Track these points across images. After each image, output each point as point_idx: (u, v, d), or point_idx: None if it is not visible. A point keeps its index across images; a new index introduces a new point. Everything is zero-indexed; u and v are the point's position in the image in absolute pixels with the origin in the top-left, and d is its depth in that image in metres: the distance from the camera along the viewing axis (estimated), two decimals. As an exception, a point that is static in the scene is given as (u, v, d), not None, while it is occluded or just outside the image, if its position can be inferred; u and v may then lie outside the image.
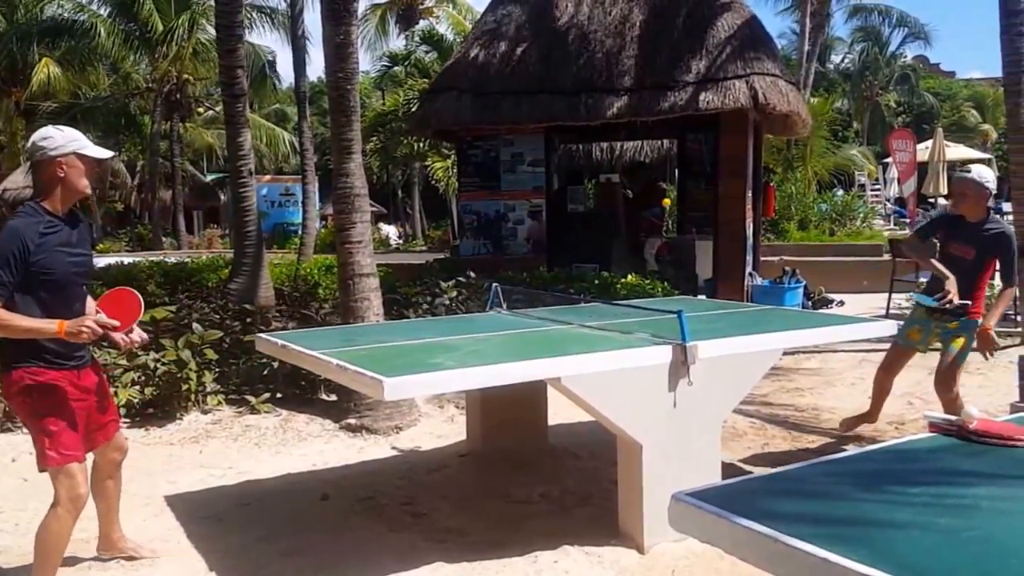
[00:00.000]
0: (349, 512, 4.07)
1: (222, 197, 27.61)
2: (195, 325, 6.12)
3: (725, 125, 9.39)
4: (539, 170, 9.97)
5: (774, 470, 2.12)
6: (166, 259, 11.39)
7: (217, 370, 5.95)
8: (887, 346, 5.08)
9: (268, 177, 25.56)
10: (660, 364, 3.45)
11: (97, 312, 3.13)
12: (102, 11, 21.40)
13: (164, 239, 23.69)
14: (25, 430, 3.54)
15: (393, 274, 8.39)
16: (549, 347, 3.64)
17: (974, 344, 4.69)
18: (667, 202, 12.75)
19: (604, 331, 3.95)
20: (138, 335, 3.24)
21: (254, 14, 20.59)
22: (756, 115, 9.51)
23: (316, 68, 35.51)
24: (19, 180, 24.69)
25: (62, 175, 3.04)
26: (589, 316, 4.44)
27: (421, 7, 24.45)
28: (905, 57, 39.65)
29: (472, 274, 7.74)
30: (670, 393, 3.47)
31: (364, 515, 4.03)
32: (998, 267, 4.69)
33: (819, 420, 5.62)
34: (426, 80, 18.56)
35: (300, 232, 13.55)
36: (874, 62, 37.53)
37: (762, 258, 11.37)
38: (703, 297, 8.18)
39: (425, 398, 5.84)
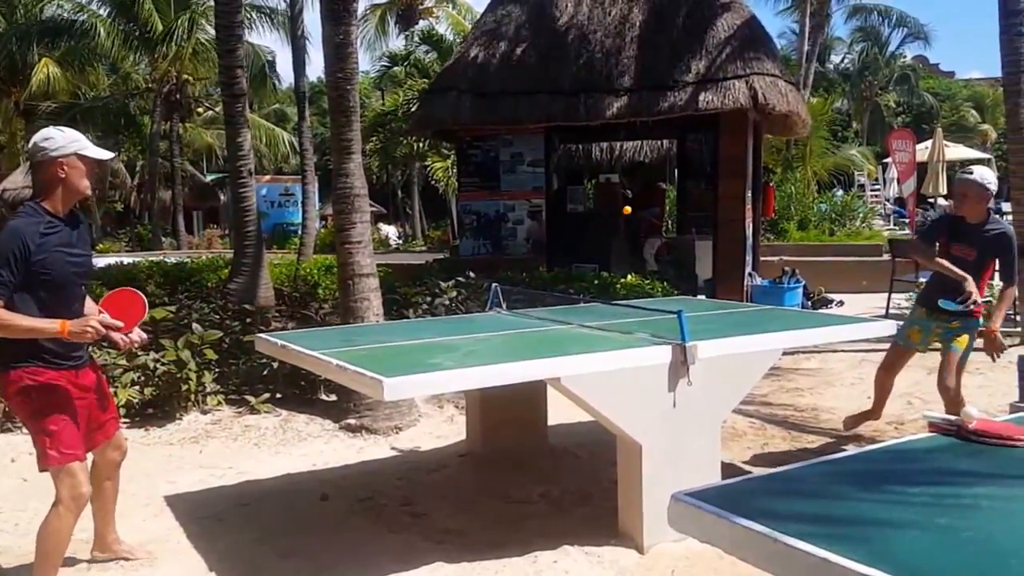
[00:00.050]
0: (348, 512, 4.07)
1: (222, 197, 27.59)
2: (195, 325, 6.11)
3: (725, 125, 9.40)
4: (539, 170, 9.97)
5: (774, 470, 2.12)
6: (166, 259, 11.38)
7: (217, 370, 5.95)
8: (887, 346, 5.08)
9: (268, 177, 25.56)
10: (660, 364, 3.45)
11: (100, 312, 3.14)
12: (102, 11, 21.39)
13: (164, 239, 23.68)
14: (25, 430, 3.54)
15: (393, 274, 8.38)
16: (549, 347, 3.64)
17: (975, 344, 4.69)
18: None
19: (604, 331, 3.95)
20: (137, 335, 3.25)
21: (254, 14, 20.59)
22: (756, 115, 9.51)
23: (316, 68, 35.48)
24: (19, 180, 24.69)
25: (63, 176, 3.05)
26: (589, 316, 4.44)
27: (421, 7, 24.46)
28: (905, 57, 39.66)
29: (472, 274, 7.74)
30: (670, 393, 3.47)
31: (363, 515, 4.03)
32: (997, 267, 4.70)
33: (819, 420, 5.62)
34: (426, 80, 18.58)
35: (300, 232, 13.55)
36: (874, 62, 37.53)
37: (762, 258, 11.37)
38: (703, 297, 8.17)
39: (425, 398, 5.84)
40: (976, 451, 2.18)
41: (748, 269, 10.04)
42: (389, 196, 31.89)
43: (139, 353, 5.57)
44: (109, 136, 23.44)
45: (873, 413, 5.07)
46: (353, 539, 3.72)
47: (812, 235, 15.75)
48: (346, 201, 5.75)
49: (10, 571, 3.45)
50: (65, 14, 21.83)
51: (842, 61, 41.54)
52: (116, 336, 3.16)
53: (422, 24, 24.34)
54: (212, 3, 9.46)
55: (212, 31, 14.12)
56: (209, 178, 30.82)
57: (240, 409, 5.80)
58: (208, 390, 5.81)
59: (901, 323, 4.87)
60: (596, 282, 8.09)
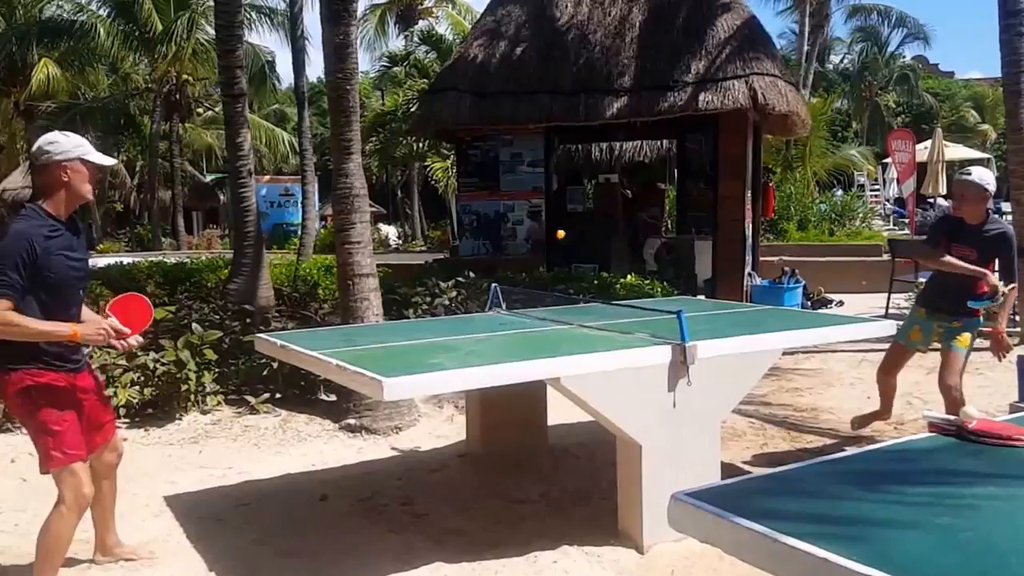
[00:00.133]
0: (348, 512, 4.07)
1: (222, 197, 27.59)
2: (195, 325, 6.11)
3: (724, 125, 9.40)
4: (538, 170, 9.98)
5: (774, 470, 2.12)
6: (165, 259, 11.39)
7: (217, 370, 5.95)
8: (887, 346, 5.07)
9: (267, 177, 25.56)
10: (660, 364, 3.45)
11: (107, 317, 3.17)
12: (102, 11, 21.39)
13: (163, 239, 23.68)
14: (24, 431, 3.54)
15: (393, 274, 8.39)
16: (549, 347, 3.64)
17: (976, 343, 4.69)
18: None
19: (604, 331, 3.95)
20: (135, 340, 3.26)
21: (253, 14, 20.60)
22: (755, 115, 9.51)
23: (316, 68, 35.54)
24: (18, 180, 24.70)
25: (67, 179, 3.08)
26: (589, 316, 4.45)
27: (420, 7, 24.49)
28: (904, 57, 39.67)
29: (471, 274, 7.74)
30: (669, 393, 3.47)
31: (363, 515, 4.03)
32: (997, 267, 4.69)
33: (818, 420, 5.62)
34: (425, 80, 18.57)
35: (299, 232, 13.55)
36: (873, 62, 37.52)
37: (761, 258, 11.37)
38: (702, 297, 8.17)
39: (424, 398, 5.84)
40: (976, 451, 2.18)
41: (748, 269, 10.05)
42: (389, 196, 31.89)
43: (139, 353, 5.56)
44: (109, 136, 23.46)
45: (882, 414, 5.04)
46: (353, 539, 3.72)
47: (812, 235, 15.75)
48: (346, 201, 5.75)
49: (10, 571, 3.45)
50: (65, 14, 21.83)
51: (842, 61, 41.57)
52: (116, 341, 3.17)
53: (422, 24, 24.36)
54: (212, 3, 9.46)
55: (212, 31, 14.12)
56: (209, 178, 30.82)
57: (240, 409, 5.80)
58: (208, 390, 5.81)
59: (901, 323, 4.87)
60: (596, 282, 8.09)
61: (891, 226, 21.15)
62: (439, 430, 5.49)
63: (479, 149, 10.15)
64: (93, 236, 24.16)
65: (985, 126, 36.46)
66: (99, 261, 12.42)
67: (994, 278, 4.40)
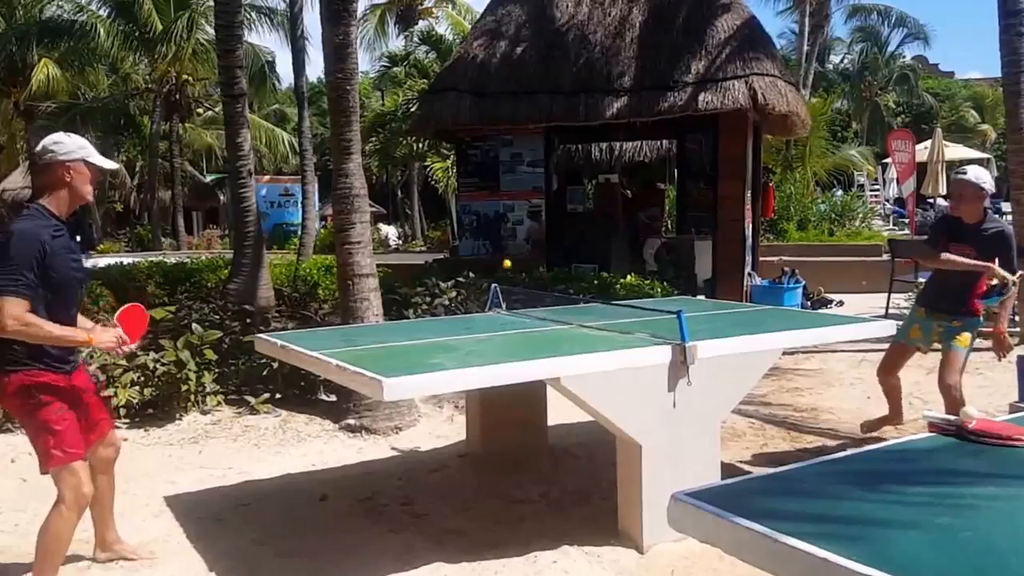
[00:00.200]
0: (348, 513, 4.07)
1: (222, 197, 27.58)
2: (194, 326, 6.11)
3: (724, 125, 9.40)
4: (538, 170, 9.98)
5: (773, 470, 2.12)
6: (165, 259, 11.39)
7: (216, 370, 5.95)
8: (887, 346, 5.07)
9: (267, 177, 25.54)
10: (660, 364, 3.45)
11: (116, 325, 3.24)
12: (102, 12, 21.38)
13: (163, 239, 23.68)
14: (24, 431, 3.54)
15: (393, 274, 8.39)
16: (549, 347, 3.64)
17: (977, 343, 4.69)
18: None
19: (604, 331, 3.95)
20: (131, 346, 3.34)
21: (253, 14, 20.59)
22: (755, 115, 9.51)
23: (316, 68, 35.56)
24: (18, 180, 24.71)
25: (69, 180, 3.11)
26: (589, 316, 4.45)
27: (420, 7, 24.46)
28: (904, 57, 39.65)
29: (471, 274, 7.74)
30: (669, 393, 3.47)
31: (363, 516, 4.03)
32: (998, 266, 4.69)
33: (818, 420, 5.62)
34: (425, 80, 18.58)
35: (299, 232, 13.55)
36: (873, 62, 37.52)
37: (761, 258, 11.37)
38: (702, 297, 8.18)
39: (424, 398, 5.84)
40: (976, 451, 2.18)
41: (748, 269, 10.05)
42: (389, 196, 31.88)
43: (139, 353, 5.57)
44: (109, 136, 23.45)
45: (892, 418, 5.01)
46: (353, 539, 3.72)
47: (812, 235, 15.75)
48: (346, 201, 5.75)
49: (10, 571, 3.45)
50: (65, 15, 21.81)
51: (842, 61, 41.56)
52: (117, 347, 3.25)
53: (422, 24, 24.34)
54: (212, 3, 9.46)
55: (212, 31, 14.12)
56: (209, 178, 30.82)
57: (240, 409, 5.80)
58: (208, 390, 5.81)
59: (900, 323, 4.87)
60: (596, 282, 8.09)
61: (891, 226, 21.15)
62: (439, 430, 5.49)
63: (479, 149, 10.16)
64: (94, 236, 24.16)
65: (985, 126, 36.46)
66: (99, 261, 12.43)
67: (1000, 269, 4.40)
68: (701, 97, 8.94)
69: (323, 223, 20.31)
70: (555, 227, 10.15)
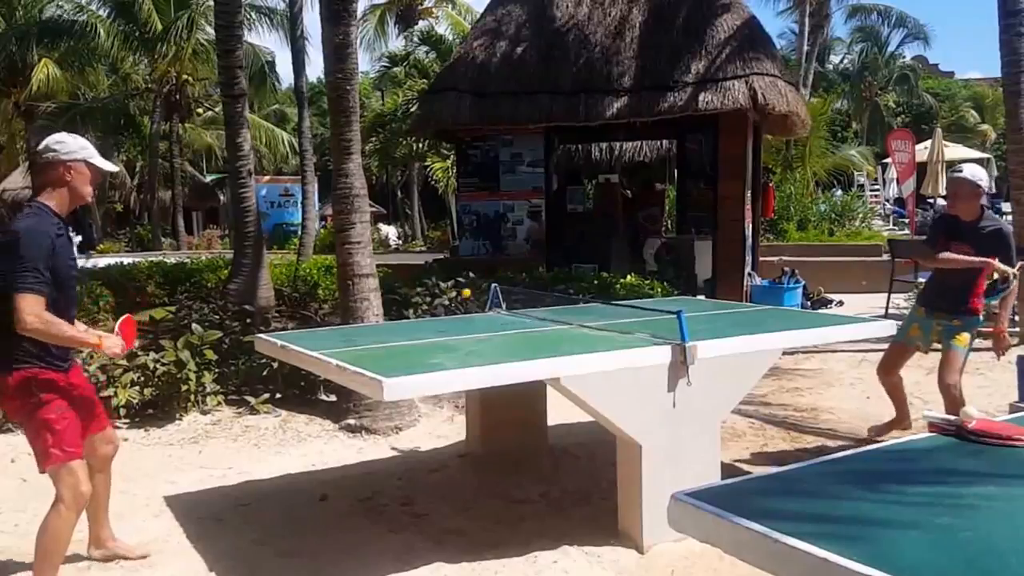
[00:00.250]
0: (348, 513, 4.07)
1: (222, 198, 27.59)
2: (195, 326, 6.12)
3: (724, 125, 9.40)
4: (538, 170, 9.98)
5: (773, 470, 2.12)
6: (165, 259, 11.41)
7: (217, 371, 5.95)
8: (887, 346, 5.07)
9: (267, 178, 25.57)
10: (659, 364, 3.45)
11: (117, 334, 3.32)
12: (102, 12, 21.39)
13: (163, 240, 23.69)
14: (23, 431, 3.55)
15: (393, 274, 8.39)
16: (549, 347, 3.64)
17: (977, 343, 4.69)
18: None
19: (604, 331, 3.95)
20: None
21: (253, 14, 20.59)
22: (755, 115, 9.52)
23: (316, 68, 35.53)
24: (18, 181, 24.70)
25: (69, 179, 3.13)
26: (589, 316, 4.45)
27: (420, 7, 24.43)
28: (904, 57, 39.66)
29: (471, 274, 7.74)
30: (669, 393, 3.47)
31: (363, 516, 4.03)
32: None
33: (818, 420, 5.62)
34: (425, 80, 18.58)
35: (300, 232, 13.56)
36: (873, 62, 37.51)
37: (761, 258, 11.37)
38: (702, 297, 8.18)
39: (424, 398, 5.83)
40: (976, 451, 2.18)
41: (748, 269, 10.05)
42: (389, 196, 31.89)
43: (139, 353, 5.58)
44: (109, 136, 23.45)
45: (900, 421, 4.99)
46: (353, 539, 3.72)
47: (812, 235, 15.75)
48: (346, 201, 5.75)
49: (10, 571, 3.45)
50: (65, 14, 21.82)
51: (842, 61, 41.55)
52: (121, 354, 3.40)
53: (422, 24, 24.32)
54: (212, 3, 9.47)
55: (212, 31, 14.12)
56: (209, 178, 30.83)
57: (240, 409, 5.80)
58: (208, 390, 5.81)
59: (900, 323, 4.87)
60: (596, 282, 8.09)
61: (891, 226, 21.15)
62: (439, 430, 5.49)
63: (479, 149, 10.16)
64: (93, 236, 24.16)
65: (985, 126, 36.46)
66: (99, 261, 12.44)
67: (999, 264, 4.40)
68: (701, 97, 8.94)
69: (323, 223, 20.31)
70: (555, 227, 10.15)
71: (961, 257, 4.51)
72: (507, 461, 4.59)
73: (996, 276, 4.42)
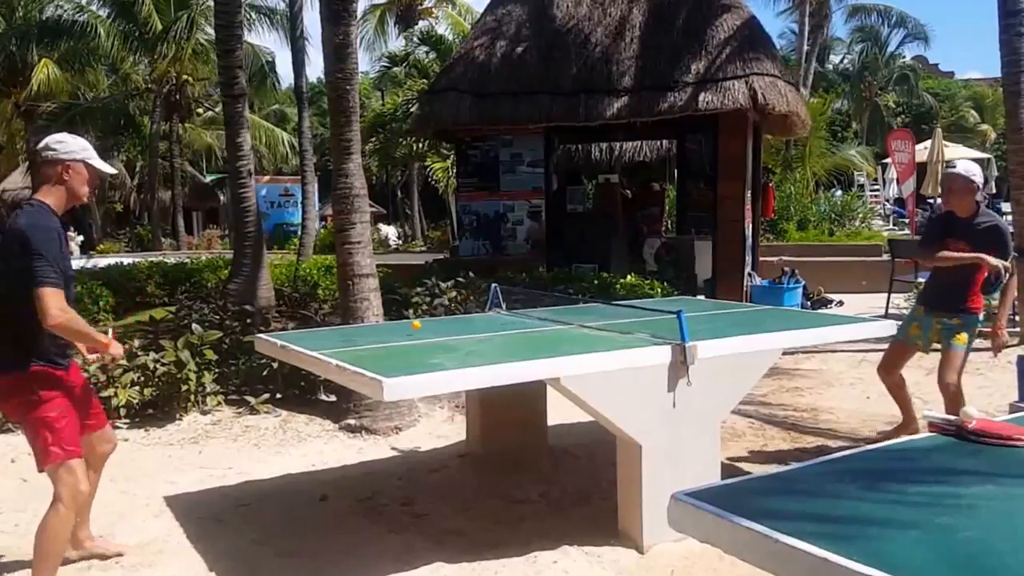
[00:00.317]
0: (348, 513, 4.07)
1: (222, 198, 27.59)
2: (195, 326, 6.12)
3: (724, 125, 9.40)
4: (538, 170, 9.98)
5: (773, 470, 2.12)
6: (165, 260, 11.42)
7: (217, 371, 5.95)
8: (887, 346, 5.07)
9: (267, 178, 25.57)
10: (659, 364, 3.45)
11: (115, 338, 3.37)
12: (102, 12, 21.40)
13: (163, 240, 23.69)
14: (23, 430, 3.55)
15: (393, 274, 8.39)
16: (549, 347, 3.64)
17: (976, 343, 4.70)
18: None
19: (604, 331, 3.95)
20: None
21: (253, 14, 20.59)
22: (755, 115, 9.52)
23: (316, 68, 35.55)
24: (18, 181, 24.71)
25: (67, 178, 3.15)
26: (589, 316, 4.45)
27: (420, 7, 24.46)
28: (904, 57, 39.65)
29: (471, 274, 7.74)
30: (669, 393, 3.47)
31: (363, 516, 4.03)
32: None
33: (818, 420, 5.62)
34: (425, 80, 18.57)
35: (299, 233, 13.57)
36: (873, 62, 37.52)
37: (761, 258, 11.37)
38: (702, 297, 8.18)
39: (424, 398, 5.83)
40: (976, 451, 2.18)
41: (748, 269, 10.05)
42: (389, 196, 31.89)
43: (139, 353, 5.58)
44: (109, 136, 23.46)
45: (907, 425, 4.94)
46: (353, 539, 3.72)
47: (812, 235, 15.76)
48: (346, 201, 5.76)
49: (10, 571, 3.46)
50: (65, 14, 21.82)
51: (842, 61, 41.56)
52: (91, 354, 3.46)
53: (422, 24, 24.33)
54: (212, 3, 9.47)
55: (212, 31, 14.13)
56: (209, 178, 30.83)
57: (240, 409, 5.80)
58: (208, 390, 5.81)
59: (900, 323, 4.87)
60: (596, 282, 8.09)
61: (891, 226, 21.15)
62: (439, 430, 5.49)
63: (479, 149, 10.16)
64: (93, 236, 24.17)
65: (985, 126, 36.47)
66: (99, 261, 12.45)
67: (990, 258, 4.40)
68: (701, 97, 8.94)
69: (323, 223, 20.32)
70: (555, 227, 10.15)
71: (954, 254, 4.52)
72: (507, 461, 4.59)
73: (988, 271, 4.42)
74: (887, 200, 23.97)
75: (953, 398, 4.53)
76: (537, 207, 9.99)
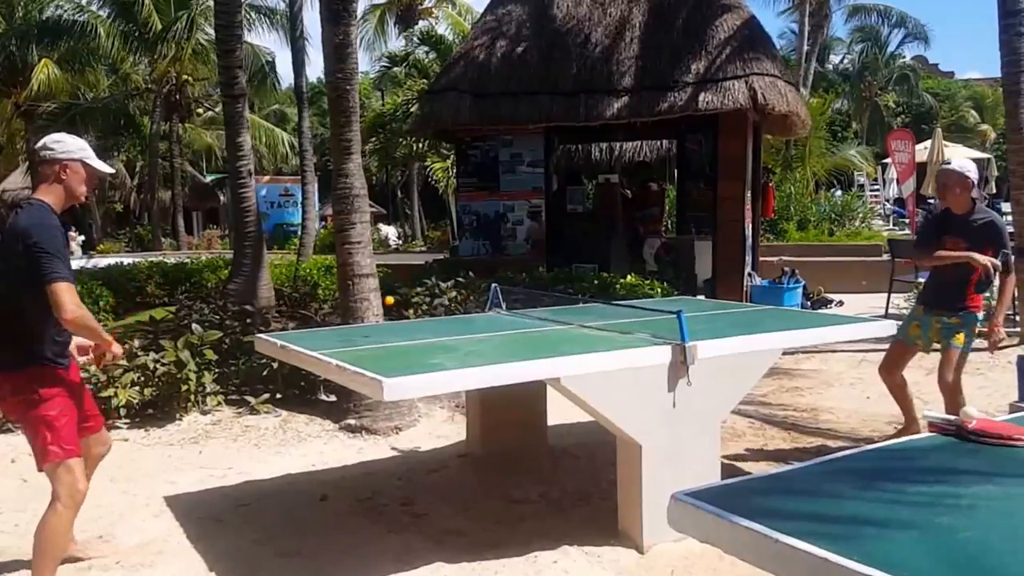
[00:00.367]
0: (348, 513, 4.07)
1: (222, 198, 27.60)
2: (195, 326, 6.12)
3: (724, 125, 9.40)
4: (538, 170, 9.98)
5: (773, 470, 2.12)
6: (165, 260, 11.42)
7: (217, 371, 5.95)
8: (887, 346, 5.07)
9: (267, 178, 25.57)
10: (659, 364, 3.45)
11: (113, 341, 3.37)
12: (102, 12, 21.40)
13: (163, 240, 23.69)
14: (23, 430, 3.55)
15: (392, 274, 8.39)
16: (549, 347, 3.64)
17: (976, 343, 4.70)
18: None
19: (604, 331, 3.95)
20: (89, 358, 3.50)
21: (253, 14, 20.59)
22: (755, 115, 9.52)
23: (316, 68, 35.55)
24: (18, 181, 24.71)
25: (64, 178, 3.15)
26: (589, 316, 4.45)
27: (420, 7, 24.46)
28: (904, 57, 39.66)
29: (471, 274, 7.74)
30: (669, 393, 3.47)
31: (363, 516, 4.02)
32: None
33: (818, 420, 5.62)
34: (425, 80, 18.57)
35: (300, 233, 13.58)
36: (873, 62, 37.53)
37: (761, 258, 11.37)
38: (702, 297, 8.18)
39: (424, 398, 5.83)
40: (976, 451, 2.18)
41: (748, 269, 10.05)
42: (389, 196, 31.89)
43: (139, 353, 5.58)
44: (109, 137, 23.47)
45: (909, 427, 4.93)
46: (353, 539, 3.72)
47: (812, 235, 15.75)
48: (346, 201, 5.76)
49: (10, 571, 3.46)
50: (65, 14, 21.83)
51: (842, 61, 41.57)
52: (83, 357, 3.45)
53: (422, 24, 24.32)
54: (212, 3, 9.47)
55: (212, 31, 14.13)
56: (209, 178, 30.83)
57: (240, 410, 5.80)
58: (208, 390, 5.81)
59: (900, 323, 4.87)
60: (596, 282, 8.09)
61: (891, 226, 21.14)
62: (439, 430, 5.49)
63: (479, 149, 10.16)
64: (93, 236, 24.17)
65: (985, 126, 36.48)
66: (99, 261, 12.45)
67: (977, 256, 4.41)
68: (701, 97, 8.94)
69: (323, 223, 20.32)
70: (555, 227, 10.15)
71: (946, 253, 4.54)
72: (507, 461, 4.59)
73: (979, 269, 4.43)
74: (887, 200, 23.97)
75: (952, 398, 4.53)
76: (537, 207, 9.99)
